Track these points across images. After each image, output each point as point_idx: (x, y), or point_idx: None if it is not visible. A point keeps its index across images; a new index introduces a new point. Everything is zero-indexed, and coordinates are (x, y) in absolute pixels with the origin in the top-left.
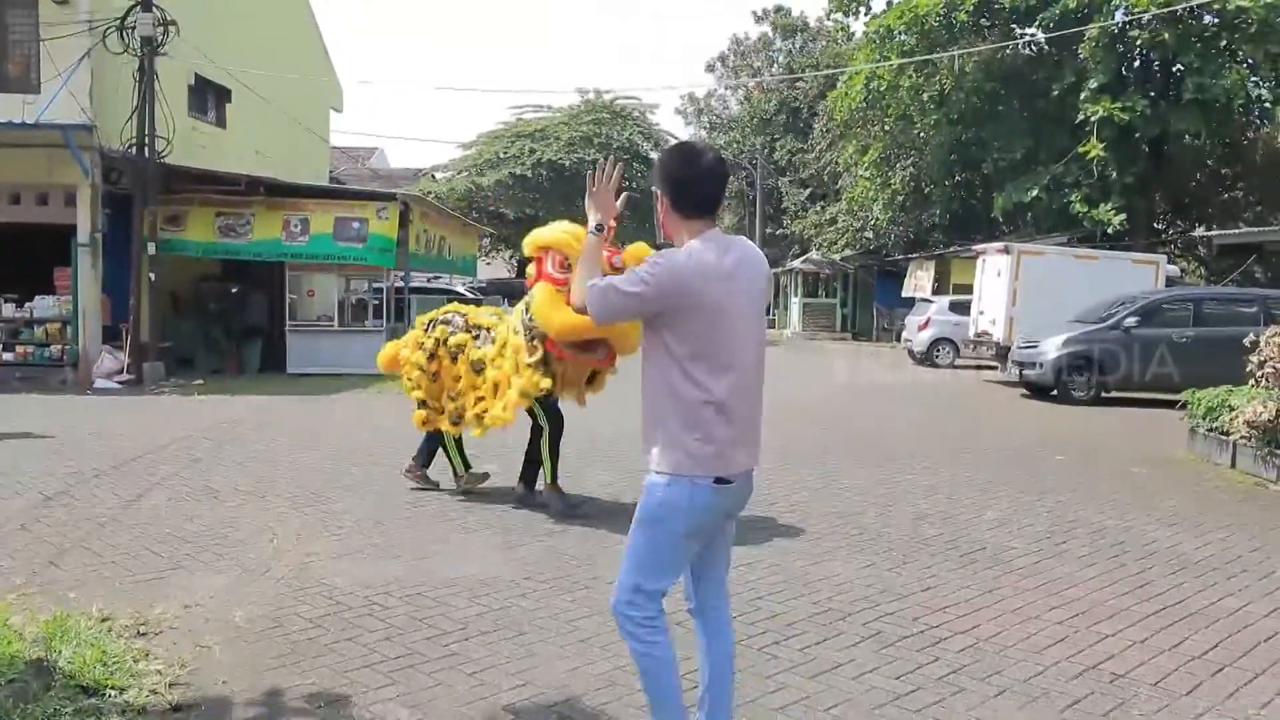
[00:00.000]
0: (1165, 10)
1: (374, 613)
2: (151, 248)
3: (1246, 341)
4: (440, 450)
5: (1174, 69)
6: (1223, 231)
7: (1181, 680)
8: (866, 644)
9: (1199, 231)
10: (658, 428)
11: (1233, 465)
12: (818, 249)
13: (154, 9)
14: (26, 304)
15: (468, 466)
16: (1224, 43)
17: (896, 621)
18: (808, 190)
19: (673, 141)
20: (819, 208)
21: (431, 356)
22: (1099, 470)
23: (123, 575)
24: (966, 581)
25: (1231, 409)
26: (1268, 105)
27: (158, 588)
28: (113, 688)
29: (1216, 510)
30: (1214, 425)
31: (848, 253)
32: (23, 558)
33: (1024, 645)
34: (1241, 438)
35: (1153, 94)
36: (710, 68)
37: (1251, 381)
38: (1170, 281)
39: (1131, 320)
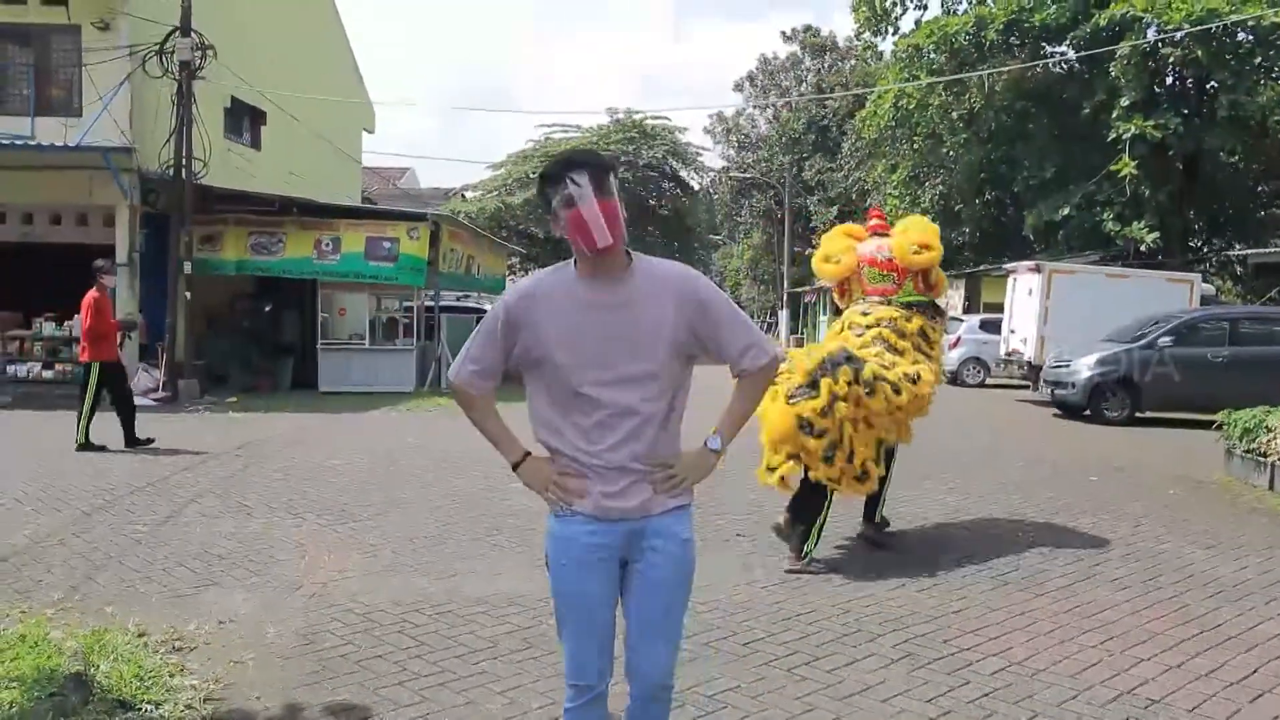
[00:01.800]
0: (1199, 28)
1: (404, 630)
2: (187, 267)
3: None
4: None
5: (1207, 86)
6: (1259, 250)
7: (1218, 706)
8: (897, 666)
9: (1236, 250)
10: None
11: (1270, 487)
12: None
13: (192, 34)
14: (66, 322)
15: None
16: (1258, 60)
17: (927, 643)
18: (836, 208)
19: (702, 160)
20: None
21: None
22: (1133, 491)
23: (158, 591)
24: (999, 603)
25: (1269, 430)
26: None
27: (192, 604)
28: (149, 702)
29: (1254, 533)
30: (1251, 446)
31: None
32: (61, 572)
33: (1057, 669)
34: None
35: (1185, 111)
36: (738, 87)
37: None
38: (1205, 301)
39: (1166, 339)
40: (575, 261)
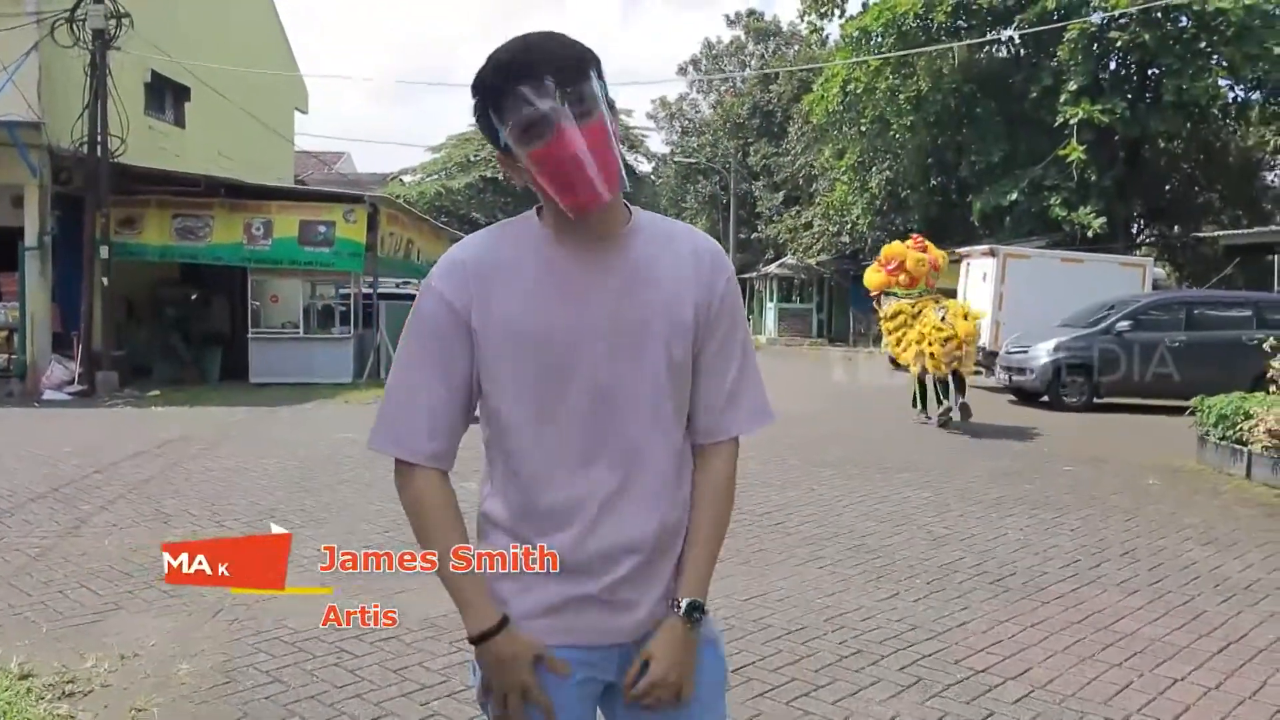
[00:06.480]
0: (1142, 10)
1: (341, 662)
2: (104, 251)
3: (1267, 346)
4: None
5: (1150, 71)
6: (1232, 231)
7: None
8: (909, 694)
9: (1203, 233)
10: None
11: (1248, 475)
12: (793, 253)
13: (105, 1)
14: None
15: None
16: (1202, 45)
17: (937, 664)
18: (782, 194)
19: (647, 143)
20: (794, 212)
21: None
22: (1112, 482)
23: (53, 618)
24: (1004, 614)
25: (1248, 416)
26: (1243, 108)
27: (92, 633)
28: None
29: (1247, 527)
30: (1227, 433)
31: (823, 257)
32: None
33: (1086, 693)
34: (1264, 447)
35: (1130, 96)
36: (682, 71)
37: (1272, 388)
38: (1157, 285)
39: (1124, 324)
40: (540, 210)
